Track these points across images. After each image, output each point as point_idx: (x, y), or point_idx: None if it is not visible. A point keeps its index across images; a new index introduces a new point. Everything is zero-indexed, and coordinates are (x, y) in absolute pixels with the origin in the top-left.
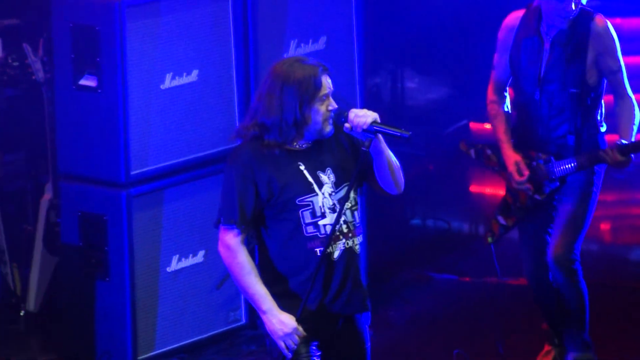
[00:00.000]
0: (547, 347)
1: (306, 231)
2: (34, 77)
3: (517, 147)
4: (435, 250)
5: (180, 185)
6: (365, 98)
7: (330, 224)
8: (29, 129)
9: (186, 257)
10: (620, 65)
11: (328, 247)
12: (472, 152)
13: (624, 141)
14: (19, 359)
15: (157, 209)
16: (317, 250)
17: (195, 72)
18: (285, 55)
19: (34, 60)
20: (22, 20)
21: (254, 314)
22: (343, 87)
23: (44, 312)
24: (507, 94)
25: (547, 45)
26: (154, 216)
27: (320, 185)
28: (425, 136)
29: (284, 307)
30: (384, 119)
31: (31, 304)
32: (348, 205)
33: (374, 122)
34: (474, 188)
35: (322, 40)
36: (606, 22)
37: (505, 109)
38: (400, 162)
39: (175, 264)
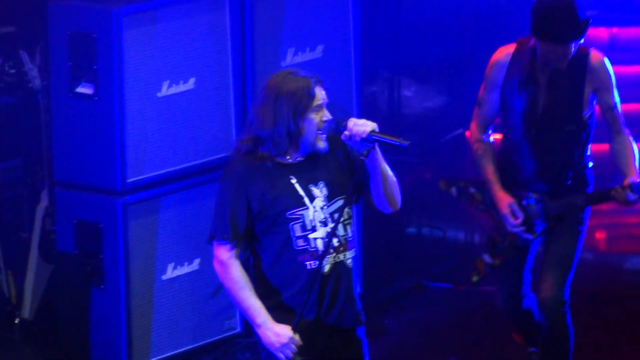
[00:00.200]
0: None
1: (296, 244)
2: (30, 85)
3: (504, 185)
4: (431, 259)
5: (177, 193)
6: (362, 106)
7: (321, 238)
8: (25, 136)
9: (182, 265)
10: (616, 101)
11: (321, 262)
12: (453, 190)
13: (632, 179)
14: None
15: (153, 217)
16: (307, 263)
17: (192, 80)
18: (282, 64)
19: (30, 68)
20: (18, 27)
21: (249, 322)
22: (340, 95)
23: (39, 320)
24: (491, 132)
25: (543, 84)
26: (150, 224)
27: (312, 198)
28: (422, 144)
29: (277, 320)
30: (381, 128)
31: (26, 311)
32: (341, 219)
33: (373, 131)
34: None
35: (319, 48)
36: (602, 57)
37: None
38: (395, 171)
39: (170, 272)
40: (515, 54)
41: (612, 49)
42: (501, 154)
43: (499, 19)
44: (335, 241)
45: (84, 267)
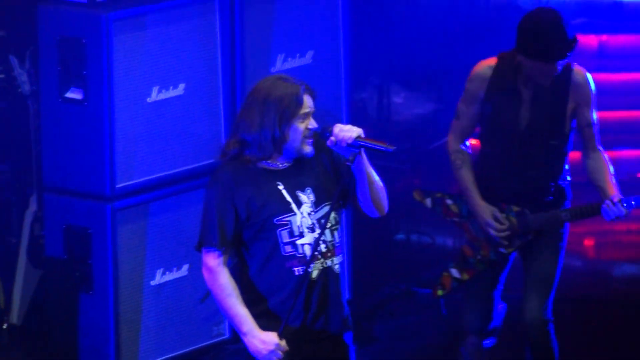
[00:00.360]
0: None
1: (284, 250)
2: (20, 90)
3: (484, 197)
4: (420, 265)
5: (166, 198)
6: (352, 113)
7: (309, 244)
8: (14, 141)
9: (170, 270)
10: (594, 118)
11: (308, 268)
12: (427, 201)
13: (619, 195)
14: None
15: (142, 222)
16: (295, 269)
17: (181, 86)
18: (272, 70)
19: (20, 73)
20: (8, 32)
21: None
22: (329, 101)
23: (28, 325)
24: (469, 144)
25: (527, 99)
26: (139, 229)
27: (299, 204)
28: (411, 151)
29: (264, 326)
30: (370, 134)
31: (15, 316)
32: (328, 225)
33: (359, 136)
34: None
35: (309, 54)
36: (585, 72)
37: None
38: (385, 177)
39: (159, 278)
40: (497, 68)
41: (601, 57)
42: (479, 167)
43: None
44: (322, 247)
45: (73, 272)
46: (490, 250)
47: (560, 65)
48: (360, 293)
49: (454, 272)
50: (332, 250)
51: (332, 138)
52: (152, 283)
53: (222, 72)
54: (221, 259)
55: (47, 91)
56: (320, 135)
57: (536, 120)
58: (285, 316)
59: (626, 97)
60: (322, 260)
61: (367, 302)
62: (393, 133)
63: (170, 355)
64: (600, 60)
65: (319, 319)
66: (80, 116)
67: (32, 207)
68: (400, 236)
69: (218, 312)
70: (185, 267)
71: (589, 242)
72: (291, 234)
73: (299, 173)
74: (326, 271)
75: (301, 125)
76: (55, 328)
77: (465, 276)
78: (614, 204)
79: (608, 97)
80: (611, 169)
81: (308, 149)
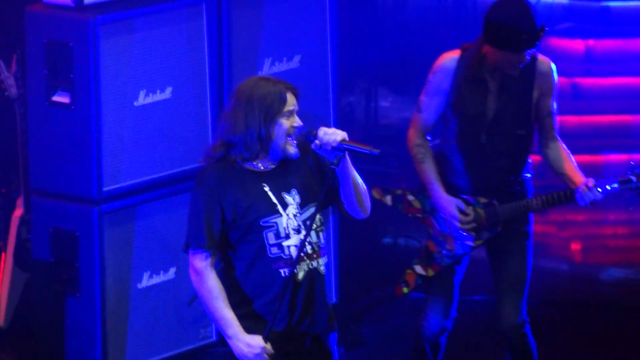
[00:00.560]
0: None
1: (270, 252)
2: (6, 93)
3: (447, 191)
4: (407, 268)
5: (153, 202)
6: (339, 116)
7: (295, 245)
8: (1, 144)
9: (157, 274)
10: (555, 108)
11: (293, 269)
12: (387, 198)
13: (592, 180)
14: None
15: (129, 226)
16: (282, 271)
17: (169, 90)
18: (259, 73)
19: (7, 76)
20: None
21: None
22: (317, 105)
23: (14, 328)
24: (429, 139)
25: (494, 89)
26: (126, 233)
27: (285, 206)
28: (399, 155)
29: (250, 328)
30: (358, 138)
31: (1, 320)
32: (314, 226)
33: (343, 140)
34: None
35: (297, 58)
36: (550, 62)
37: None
38: (372, 181)
39: (146, 281)
40: (461, 60)
41: (588, 61)
42: (442, 161)
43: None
44: (308, 248)
45: (60, 275)
46: (457, 245)
47: (528, 55)
48: (348, 297)
49: (418, 269)
50: (317, 252)
51: (317, 141)
52: (139, 286)
53: (210, 76)
54: (208, 261)
55: (34, 95)
56: (305, 139)
57: (503, 110)
58: (271, 318)
59: (613, 102)
60: (308, 261)
61: (355, 305)
62: (381, 137)
63: (157, 358)
64: (587, 65)
65: (304, 320)
66: (68, 120)
67: (19, 210)
68: (388, 239)
69: (205, 315)
70: (172, 271)
71: (575, 246)
72: (277, 235)
73: (285, 174)
74: (312, 272)
75: (286, 123)
76: (42, 331)
77: (430, 272)
78: (589, 188)
79: (595, 101)
80: (572, 157)
81: (293, 149)
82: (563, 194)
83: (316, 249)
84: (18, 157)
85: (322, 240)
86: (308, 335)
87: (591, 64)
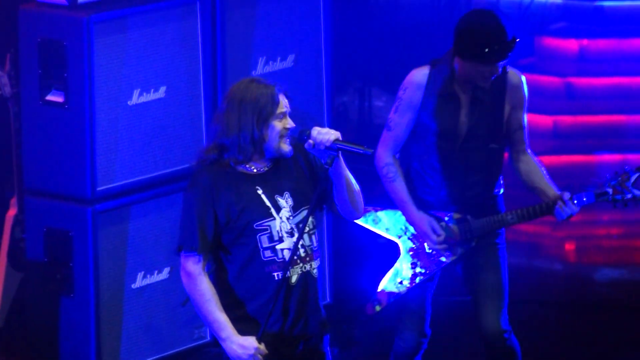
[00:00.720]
0: None
1: (264, 255)
2: (0, 93)
3: (419, 208)
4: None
5: (147, 201)
6: (333, 116)
7: (288, 248)
8: None
9: (151, 273)
10: (525, 121)
11: (286, 272)
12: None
13: (568, 194)
14: None
15: (123, 225)
16: (275, 274)
17: (162, 89)
18: (253, 73)
19: (0, 75)
20: None
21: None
22: (310, 105)
23: (8, 328)
24: (398, 156)
25: (465, 103)
26: (120, 232)
27: (278, 209)
28: None
29: (243, 331)
30: (352, 138)
31: None
32: (306, 229)
33: (337, 139)
34: None
35: (290, 58)
36: (520, 75)
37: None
38: (365, 181)
39: (140, 281)
40: (431, 75)
41: (582, 61)
42: (413, 178)
43: None
44: (301, 251)
45: (54, 275)
46: (430, 261)
47: (500, 67)
48: (341, 297)
49: (390, 286)
50: (310, 255)
51: (310, 141)
52: (133, 286)
53: (204, 75)
54: (201, 264)
55: (28, 94)
56: (298, 139)
57: (476, 125)
58: (264, 321)
59: (607, 101)
60: (301, 264)
61: (347, 305)
62: (374, 136)
63: (151, 358)
64: (581, 64)
65: (298, 323)
66: (61, 119)
67: (13, 209)
68: (382, 241)
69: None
70: (166, 271)
71: (570, 247)
72: (271, 238)
73: (277, 177)
74: (305, 275)
75: (279, 125)
76: (36, 331)
77: (403, 289)
78: (565, 202)
79: (589, 101)
80: (544, 170)
81: (287, 147)
82: (539, 208)
83: (309, 252)
84: (12, 157)
85: (315, 243)
86: (302, 338)
87: (585, 63)
